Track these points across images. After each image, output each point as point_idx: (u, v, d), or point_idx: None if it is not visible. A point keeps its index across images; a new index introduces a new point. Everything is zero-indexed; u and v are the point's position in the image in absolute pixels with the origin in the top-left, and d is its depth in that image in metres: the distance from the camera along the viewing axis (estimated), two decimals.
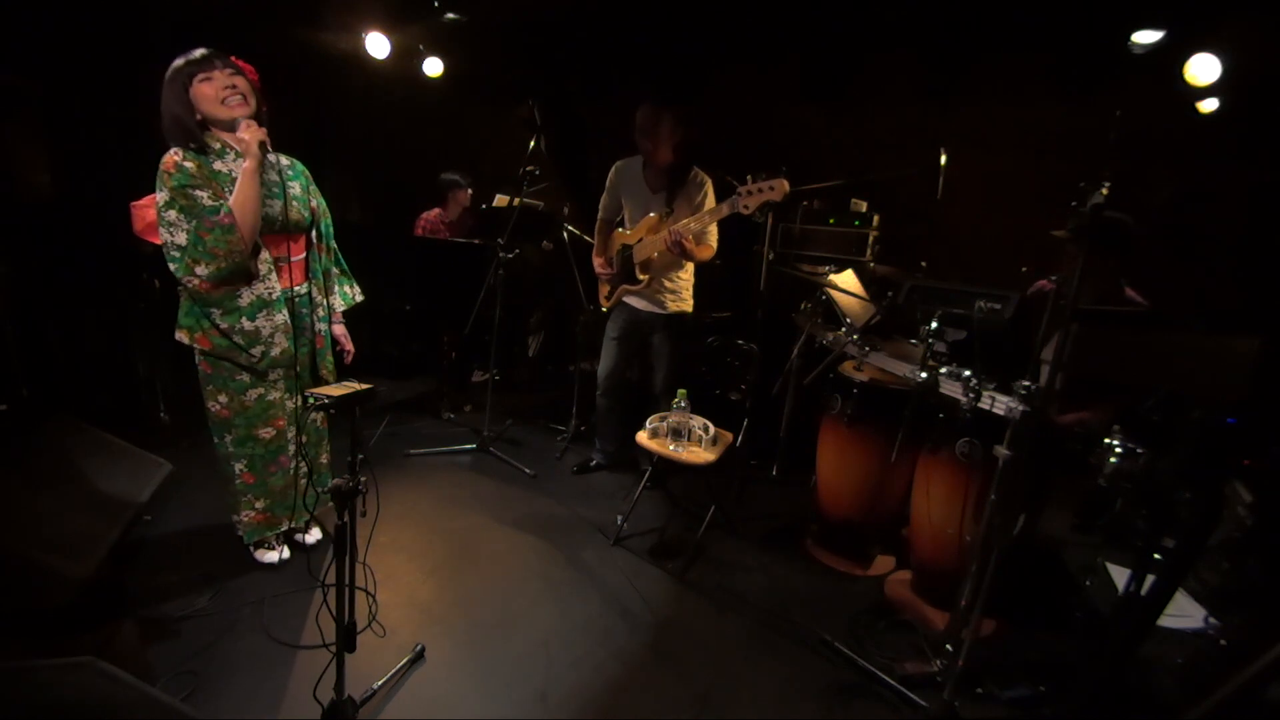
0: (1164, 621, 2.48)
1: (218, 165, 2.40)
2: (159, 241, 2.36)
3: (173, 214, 2.32)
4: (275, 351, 2.54)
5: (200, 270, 2.35)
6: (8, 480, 2.50)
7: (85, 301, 4.06)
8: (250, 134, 2.37)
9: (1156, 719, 2.20)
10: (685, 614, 2.72)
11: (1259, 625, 2.38)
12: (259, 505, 2.71)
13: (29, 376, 3.72)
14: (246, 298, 2.47)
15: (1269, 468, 2.25)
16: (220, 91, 2.36)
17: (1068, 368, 1.83)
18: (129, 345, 4.05)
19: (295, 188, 2.58)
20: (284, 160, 2.61)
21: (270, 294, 2.51)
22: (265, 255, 2.49)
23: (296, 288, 2.63)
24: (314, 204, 2.67)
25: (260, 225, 2.43)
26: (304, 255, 2.66)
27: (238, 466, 2.65)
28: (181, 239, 2.33)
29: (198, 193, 2.32)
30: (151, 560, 2.77)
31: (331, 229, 2.79)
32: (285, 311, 2.54)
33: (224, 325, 2.46)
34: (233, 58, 2.44)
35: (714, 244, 3.35)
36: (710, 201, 3.33)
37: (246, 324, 2.48)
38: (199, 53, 2.36)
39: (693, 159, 3.36)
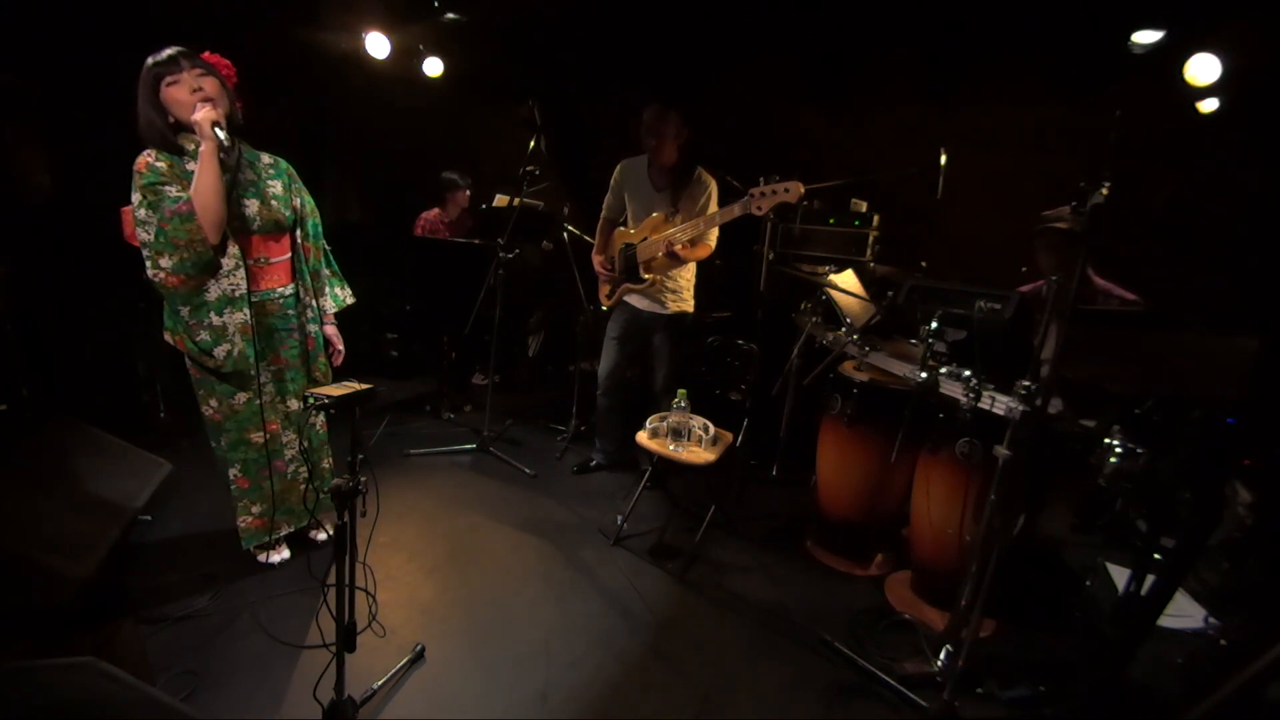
0: (1164, 621, 2.48)
1: (190, 166, 2.38)
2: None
3: (143, 212, 2.30)
4: (235, 352, 2.49)
5: (164, 263, 2.32)
6: (8, 480, 2.50)
7: (85, 301, 4.06)
8: (202, 115, 2.31)
9: (1156, 719, 2.20)
10: (685, 614, 2.72)
11: (1259, 625, 2.38)
12: (255, 510, 2.70)
13: (29, 376, 3.72)
14: (214, 292, 2.44)
15: (1269, 468, 2.25)
16: (188, 96, 2.33)
17: (1066, 366, 1.83)
18: (129, 345, 4.05)
19: (276, 186, 2.55)
20: (266, 159, 2.58)
21: (234, 290, 2.47)
22: (233, 250, 2.44)
23: (280, 289, 2.61)
24: (297, 202, 2.62)
25: (224, 215, 2.38)
26: (288, 256, 2.64)
27: (232, 471, 2.64)
28: (151, 236, 2.31)
29: (165, 188, 2.31)
30: (151, 560, 2.77)
31: (320, 228, 2.75)
32: (245, 311, 2.49)
33: (191, 322, 2.43)
34: (206, 54, 2.41)
35: (712, 243, 3.36)
36: (714, 202, 3.35)
37: (215, 319, 2.45)
38: (166, 53, 2.33)
39: (696, 159, 3.38)
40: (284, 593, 2.63)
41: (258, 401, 2.60)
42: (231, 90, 2.45)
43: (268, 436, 2.65)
